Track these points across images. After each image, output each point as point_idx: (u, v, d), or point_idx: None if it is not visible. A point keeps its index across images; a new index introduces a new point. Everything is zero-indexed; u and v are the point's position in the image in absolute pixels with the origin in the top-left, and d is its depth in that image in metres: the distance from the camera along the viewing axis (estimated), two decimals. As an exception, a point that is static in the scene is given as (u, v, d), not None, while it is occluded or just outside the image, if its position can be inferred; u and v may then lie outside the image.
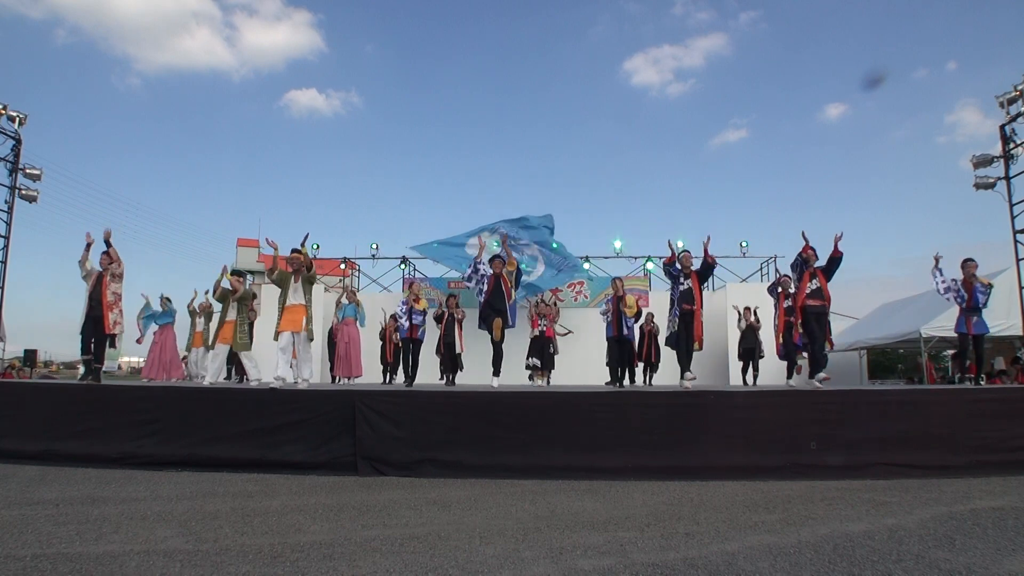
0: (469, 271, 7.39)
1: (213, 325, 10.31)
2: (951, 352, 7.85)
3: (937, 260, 7.57)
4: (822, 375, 6.51)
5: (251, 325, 7.93)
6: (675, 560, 2.85)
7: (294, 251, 6.55)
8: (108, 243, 6.99)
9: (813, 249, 6.77)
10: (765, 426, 5.32)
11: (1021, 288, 11.45)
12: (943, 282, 7.55)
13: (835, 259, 6.59)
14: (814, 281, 6.65)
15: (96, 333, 6.90)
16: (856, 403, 5.52)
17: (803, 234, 6.87)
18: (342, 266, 16.62)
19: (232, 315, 7.64)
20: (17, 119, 12.35)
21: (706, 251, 6.98)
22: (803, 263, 6.77)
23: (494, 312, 7.02)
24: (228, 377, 10.34)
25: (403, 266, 17.31)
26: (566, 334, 10.96)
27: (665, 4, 67.02)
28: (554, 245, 14.55)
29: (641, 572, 2.68)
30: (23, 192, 12.44)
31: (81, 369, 7.47)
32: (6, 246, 12.28)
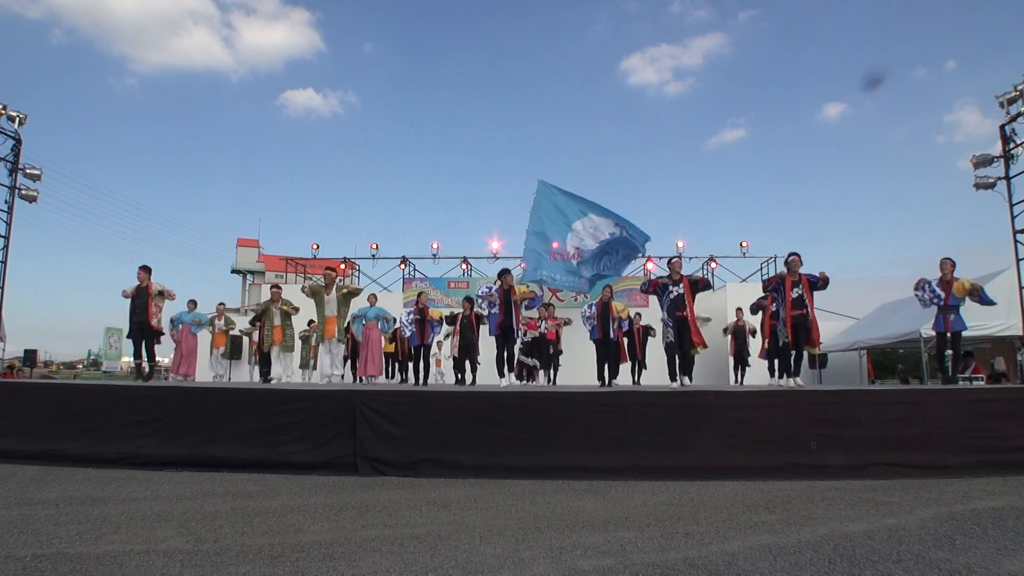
0: (481, 295, 7.92)
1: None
2: (950, 353, 7.87)
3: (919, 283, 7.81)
4: (799, 380, 6.87)
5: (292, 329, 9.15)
6: (675, 560, 2.85)
7: (328, 268, 7.97)
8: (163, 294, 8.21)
9: (797, 255, 6.86)
10: (765, 426, 5.32)
11: (1021, 288, 11.44)
12: (921, 297, 7.74)
13: (824, 283, 6.80)
14: (796, 289, 6.73)
15: (145, 336, 7.98)
16: (856, 403, 5.52)
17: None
18: (342, 266, 16.63)
19: (278, 320, 8.82)
20: (17, 119, 12.34)
21: (702, 279, 7.25)
22: (777, 284, 7.01)
23: (504, 333, 7.53)
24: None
25: (403, 266, 17.33)
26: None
27: (663, 2, 67.07)
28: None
29: (641, 572, 2.68)
30: (23, 192, 12.42)
31: (133, 370, 8.94)
32: (6, 246, 12.28)
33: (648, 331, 11.22)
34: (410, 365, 11.91)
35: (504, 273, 7.67)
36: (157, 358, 9.37)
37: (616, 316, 8.51)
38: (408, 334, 9.57)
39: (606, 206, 12.56)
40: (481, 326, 9.44)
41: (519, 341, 9.83)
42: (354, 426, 5.34)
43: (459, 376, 9.23)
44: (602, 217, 12.47)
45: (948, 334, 7.47)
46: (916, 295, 7.82)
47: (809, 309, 6.71)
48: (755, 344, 11.40)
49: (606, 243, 11.44)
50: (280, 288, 9.37)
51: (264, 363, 9.82)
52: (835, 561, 2.82)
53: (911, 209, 75.87)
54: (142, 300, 7.89)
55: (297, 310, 9.20)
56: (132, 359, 8.81)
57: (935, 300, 7.53)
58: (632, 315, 10.70)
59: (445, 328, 10.21)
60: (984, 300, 7.49)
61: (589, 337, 8.68)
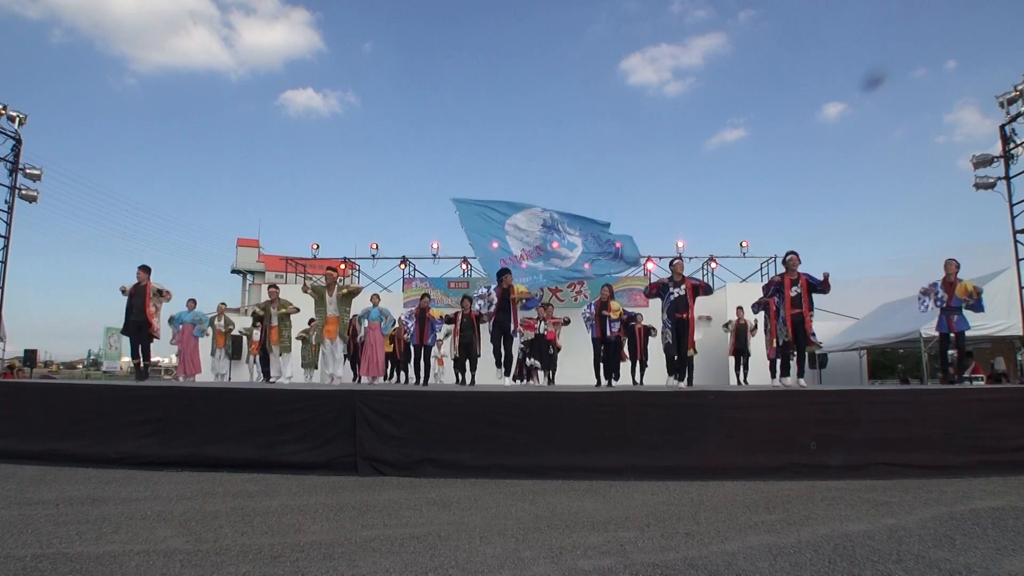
0: (479, 295, 7.97)
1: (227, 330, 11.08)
2: (952, 352, 7.88)
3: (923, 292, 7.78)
4: (801, 381, 6.89)
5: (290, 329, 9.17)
6: (675, 560, 2.85)
7: (329, 268, 7.92)
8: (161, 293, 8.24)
9: (795, 254, 6.86)
10: (765, 426, 5.32)
11: (1021, 288, 11.44)
12: (924, 301, 7.71)
13: (826, 287, 6.76)
14: (795, 288, 6.74)
15: (140, 337, 8.01)
16: (856, 403, 5.52)
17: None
18: (342, 266, 16.64)
19: (275, 321, 8.90)
20: (17, 119, 12.34)
21: (703, 284, 7.30)
22: (777, 286, 7.01)
23: (501, 331, 7.53)
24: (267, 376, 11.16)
25: (403, 266, 17.33)
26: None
27: (663, 2, 67.06)
28: (607, 234, 14.32)
29: (641, 572, 2.68)
30: (23, 192, 12.43)
31: (131, 370, 9.40)
32: (6, 246, 12.28)
33: (649, 331, 11.23)
34: (410, 365, 11.95)
35: (503, 273, 7.73)
36: (157, 358, 9.42)
37: (613, 311, 8.51)
38: (409, 334, 9.60)
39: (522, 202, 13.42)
40: (481, 324, 9.47)
41: (518, 341, 9.83)
42: (354, 426, 5.34)
43: (460, 376, 9.24)
44: (525, 211, 13.17)
45: (951, 335, 7.46)
46: (921, 300, 7.78)
47: (805, 307, 6.72)
48: (755, 342, 11.41)
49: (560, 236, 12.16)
50: (277, 288, 9.35)
51: (265, 362, 9.85)
52: (835, 561, 2.82)
53: (911, 209, 75.94)
54: (140, 299, 7.89)
55: (297, 310, 9.22)
56: (131, 359, 8.86)
57: (938, 302, 7.52)
58: (625, 316, 10.71)
59: (445, 327, 10.23)
60: (977, 307, 7.48)
61: (590, 336, 8.69)
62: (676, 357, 6.96)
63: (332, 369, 7.83)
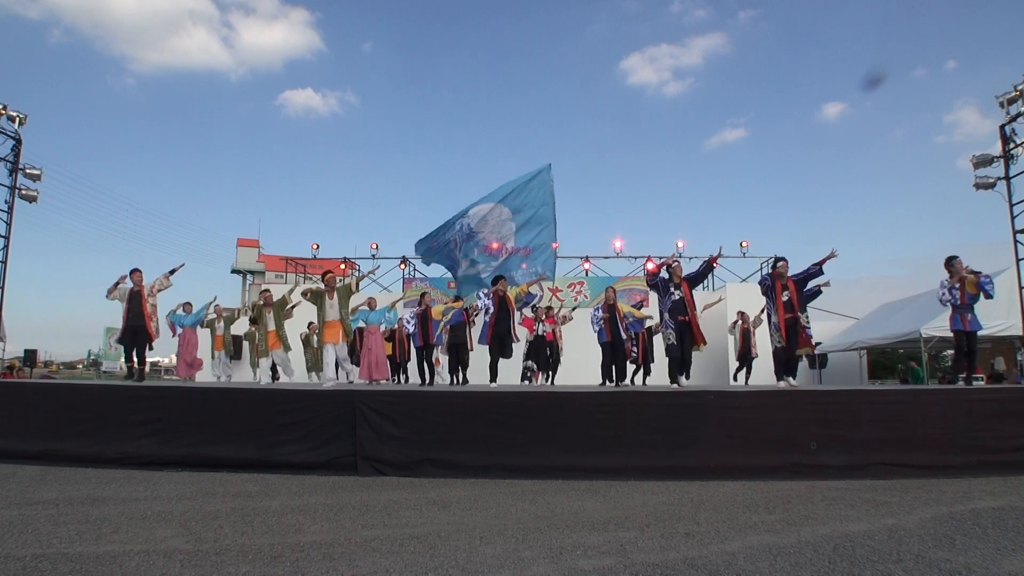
0: (480, 302, 7.88)
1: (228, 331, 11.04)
2: (952, 352, 7.82)
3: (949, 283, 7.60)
4: (793, 381, 6.88)
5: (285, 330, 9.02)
6: (675, 560, 2.85)
7: (327, 273, 7.75)
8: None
9: (785, 260, 6.89)
10: (765, 426, 5.32)
11: (1021, 288, 11.44)
12: (943, 294, 7.60)
13: (813, 274, 6.79)
14: (786, 293, 6.77)
15: (137, 340, 7.94)
16: (856, 403, 5.52)
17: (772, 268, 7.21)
18: (342, 266, 16.65)
19: (271, 325, 8.72)
20: (17, 119, 12.35)
21: (712, 261, 7.24)
22: (771, 280, 7.01)
23: (499, 342, 7.54)
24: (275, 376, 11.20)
25: (403, 266, 17.35)
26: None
27: (663, 2, 67.06)
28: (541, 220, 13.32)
29: (641, 572, 2.68)
30: (23, 192, 12.44)
31: (124, 372, 8.81)
32: (6, 246, 12.29)
33: (652, 331, 11.09)
34: (411, 367, 11.91)
35: (497, 279, 7.75)
36: (157, 358, 9.39)
37: (624, 316, 8.48)
38: (410, 332, 9.53)
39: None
40: (472, 327, 9.45)
41: (524, 343, 9.79)
42: (354, 426, 5.34)
43: (453, 378, 9.21)
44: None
45: (965, 333, 7.38)
46: (942, 293, 7.59)
47: (797, 311, 6.74)
48: (762, 345, 11.33)
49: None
50: (270, 291, 9.16)
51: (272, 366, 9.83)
52: (835, 561, 2.82)
53: (911, 209, 75.96)
54: (137, 303, 7.83)
55: (289, 313, 9.06)
56: (124, 362, 8.63)
57: (952, 301, 7.44)
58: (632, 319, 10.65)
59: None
60: (985, 289, 7.33)
61: (598, 340, 8.63)
62: (681, 356, 6.96)
63: (334, 373, 7.73)
